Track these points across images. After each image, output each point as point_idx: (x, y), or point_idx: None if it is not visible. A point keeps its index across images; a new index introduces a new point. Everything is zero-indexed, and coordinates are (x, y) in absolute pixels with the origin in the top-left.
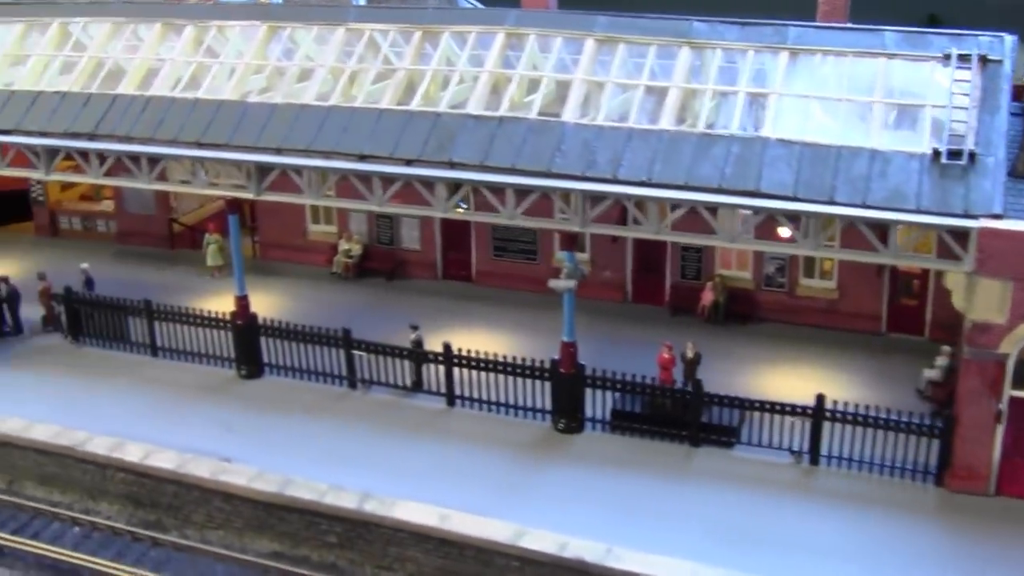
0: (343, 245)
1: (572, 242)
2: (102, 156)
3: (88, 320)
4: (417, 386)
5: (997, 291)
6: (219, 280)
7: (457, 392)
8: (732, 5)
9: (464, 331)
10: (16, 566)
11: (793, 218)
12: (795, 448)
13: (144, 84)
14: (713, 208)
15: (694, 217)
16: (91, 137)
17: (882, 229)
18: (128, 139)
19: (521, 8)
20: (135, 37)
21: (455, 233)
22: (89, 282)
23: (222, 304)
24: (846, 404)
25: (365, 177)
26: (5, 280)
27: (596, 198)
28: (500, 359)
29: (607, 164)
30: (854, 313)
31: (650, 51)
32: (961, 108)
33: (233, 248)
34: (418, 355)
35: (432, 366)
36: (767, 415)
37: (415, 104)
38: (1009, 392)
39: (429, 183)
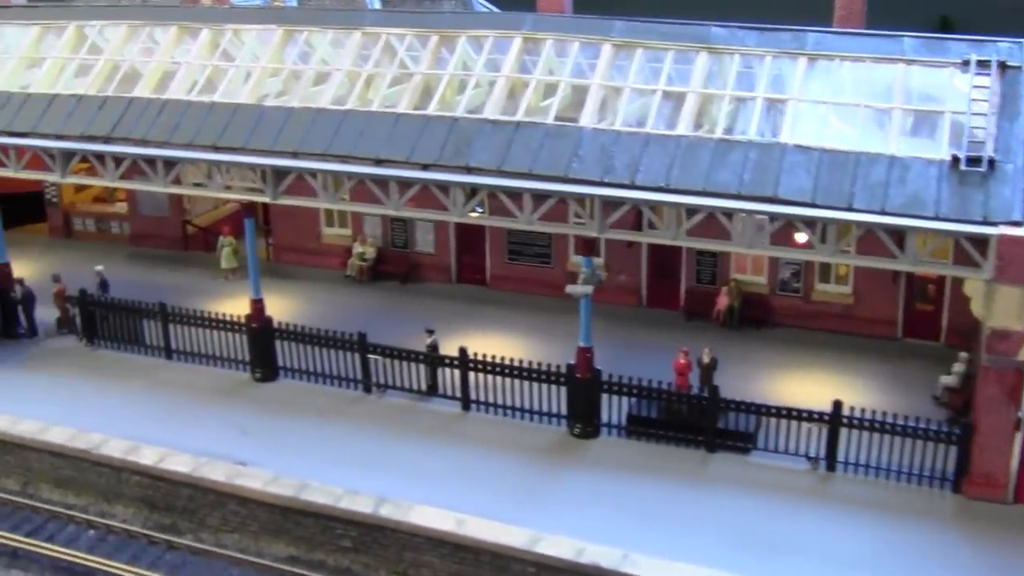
0: (357, 248)
1: (589, 247)
2: (118, 159)
3: (103, 322)
4: (432, 390)
5: (1017, 298)
6: (233, 283)
7: (473, 396)
8: (748, 10)
9: (479, 335)
10: (31, 568)
11: (811, 224)
12: (812, 454)
13: (160, 87)
14: (730, 214)
15: (710, 222)
16: (107, 140)
17: (900, 235)
18: (144, 142)
19: (537, 13)
20: (151, 40)
21: (470, 237)
22: (104, 284)
23: (236, 307)
24: (863, 410)
25: (381, 181)
26: (20, 282)
27: (613, 204)
28: (516, 364)
29: (625, 170)
30: (870, 318)
31: (668, 56)
32: (980, 114)
33: (249, 252)
34: (434, 359)
35: (447, 370)
36: (783, 421)
37: (432, 109)
38: None
39: (446, 188)
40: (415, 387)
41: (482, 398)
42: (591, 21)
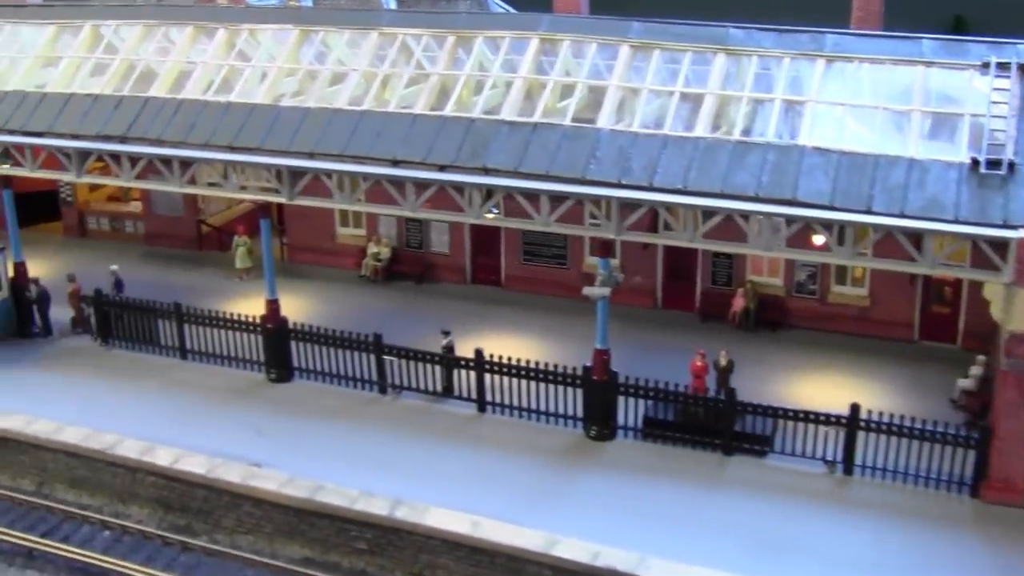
0: (372, 248)
1: (606, 249)
2: (134, 159)
3: (117, 322)
4: (448, 391)
5: None
6: (247, 282)
7: (488, 398)
8: (765, 11)
9: (493, 336)
10: (47, 569)
11: (828, 227)
12: (829, 458)
13: (176, 87)
14: (747, 216)
15: (727, 224)
16: (123, 140)
17: (919, 238)
18: (160, 142)
19: (554, 13)
20: (167, 40)
21: (485, 237)
22: (119, 284)
23: (250, 307)
24: (880, 413)
25: (398, 182)
26: (35, 281)
27: (631, 206)
28: (532, 366)
29: (642, 171)
30: (886, 321)
31: (685, 57)
32: (1000, 117)
33: (264, 252)
34: (449, 361)
35: (463, 371)
36: (800, 424)
37: (449, 109)
38: None
39: (462, 189)
40: (430, 388)
41: (498, 400)
42: (608, 22)
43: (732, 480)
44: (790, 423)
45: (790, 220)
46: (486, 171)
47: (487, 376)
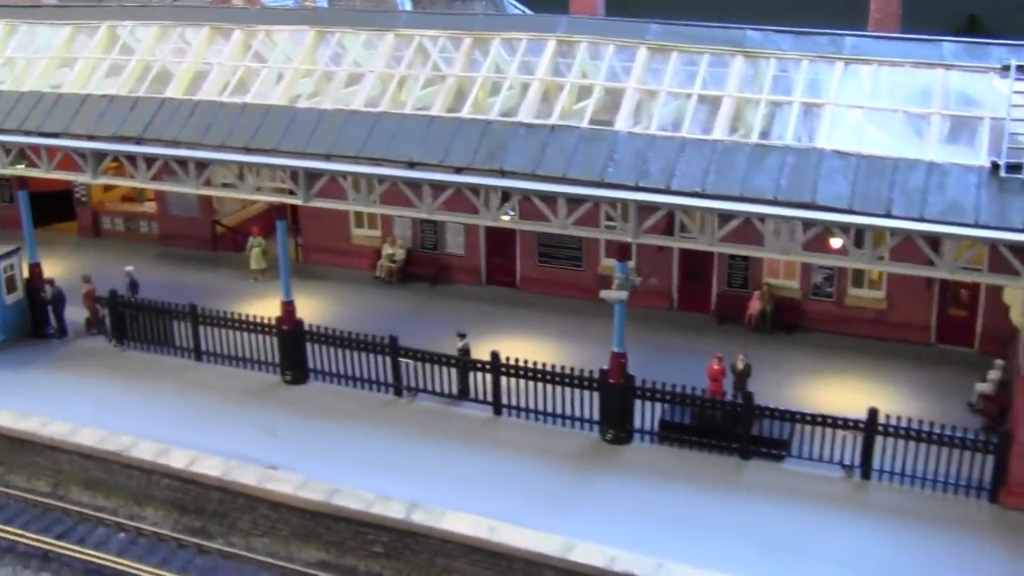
0: (387, 250)
1: (623, 252)
2: (149, 160)
3: (132, 323)
4: (463, 394)
5: None
6: (262, 283)
7: (504, 401)
8: (781, 13)
9: (508, 338)
10: (62, 571)
11: (847, 230)
12: (846, 462)
13: (192, 88)
14: (764, 219)
15: (745, 227)
16: (139, 141)
17: (937, 242)
18: (176, 143)
19: (571, 15)
20: (182, 41)
21: (500, 239)
22: (134, 285)
23: (265, 308)
24: (898, 418)
25: (414, 184)
26: (50, 282)
27: (649, 208)
28: (548, 368)
29: (660, 174)
30: (903, 324)
31: (703, 60)
32: (1020, 120)
33: (280, 254)
34: (465, 364)
35: (478, 374)
36: (818, 428)
37: (465, 111)
38: None
39: (478, 191)
40: (446, 391)
41: (514, 402)
42: (626, 24)
43: (749, 484)
44: (808, 427)
45: (809, 224)
46: (503, 173)
47: (503, 379)
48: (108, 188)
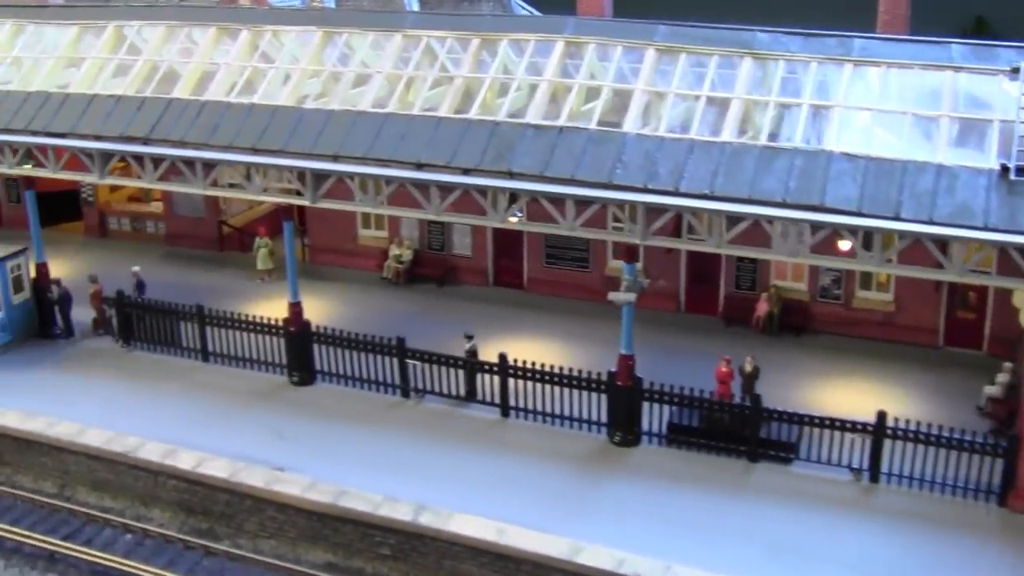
0: (394, 250)
1: (631, 254)
2: (156, 160)
3: (139, 324)
4: (471, 396)
5: None
6: (269, 284)
7: (512, 403)
8: (789, 14)
9: (516, 339)
10: (69, 573)
11: (855, 232)
12: (855, 465)
13: (199, 88)
14: (773, 221)
15: (753, 230)
16: (146, 141)
17: (946, 244)
18: (183, 144)
19: (578, 16)
20: (189, 41)
21: (507, 240)
22: (140, 285)
23: (271, 308)
24: (907, 421)
25: (422, 186)
26: (57, 282)
27: (657, 211)
28: (556, 371)
29: (668, 176)
30: (911, 326)
31: (711, 61)
32: None
33: (287, 256)
34: (473, 365)
35: (486, 376)
36: (826, 431)
37: (473, 112)
38: None
39: (486, 192)
40: (453, 393)
41: (521, 404)
42: (634, 25)
43: (757, 487)
44: (816, 430)
45: (818, 226)
46: (511, 175)
47: (511, 380)
48: (115, 188)
